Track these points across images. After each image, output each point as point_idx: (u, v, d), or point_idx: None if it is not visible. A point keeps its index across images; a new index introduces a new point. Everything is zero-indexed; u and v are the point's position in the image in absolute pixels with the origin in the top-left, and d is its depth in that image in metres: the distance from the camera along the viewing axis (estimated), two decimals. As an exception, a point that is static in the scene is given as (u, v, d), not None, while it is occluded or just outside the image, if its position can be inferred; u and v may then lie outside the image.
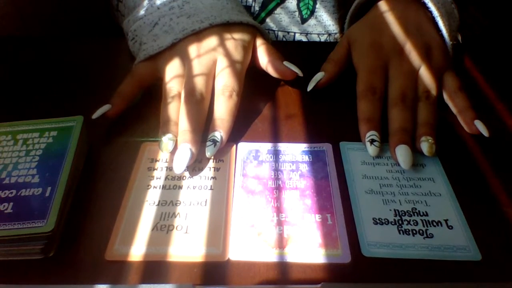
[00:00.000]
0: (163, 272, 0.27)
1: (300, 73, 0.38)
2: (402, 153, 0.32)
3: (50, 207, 0.27)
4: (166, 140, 0.33)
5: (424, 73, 0.37)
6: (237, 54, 0.38)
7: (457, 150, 0.35)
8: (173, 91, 0.36)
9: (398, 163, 0.33)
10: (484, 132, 0.35)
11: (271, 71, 0.40)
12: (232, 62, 0.37)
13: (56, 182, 0.29)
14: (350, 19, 0.45)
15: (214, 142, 0.33)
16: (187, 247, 0.28)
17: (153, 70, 0.39)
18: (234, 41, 0.39)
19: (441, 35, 0.40)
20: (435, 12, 0.40)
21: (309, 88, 0.39)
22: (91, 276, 0.26)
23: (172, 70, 0.37)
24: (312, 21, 0.51)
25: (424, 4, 0.41)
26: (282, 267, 0.27)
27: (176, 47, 0.39)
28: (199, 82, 0.36)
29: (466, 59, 0.46)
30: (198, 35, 0.39)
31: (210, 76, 0.37)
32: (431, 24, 0.40)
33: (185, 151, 0.32)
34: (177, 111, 0.35)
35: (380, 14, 0.41)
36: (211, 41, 0.38)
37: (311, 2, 0.50)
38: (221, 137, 0.33)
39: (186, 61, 0.38)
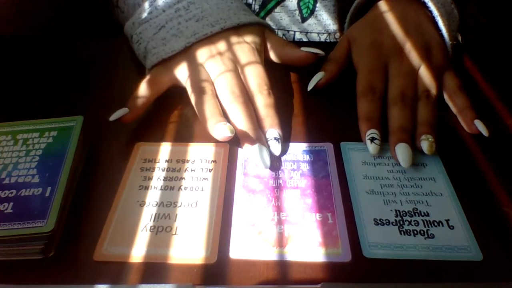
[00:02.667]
0: (160, 273, 0.26)
1: (321, 52, 0.39)
2: (401, 151, 0.32)
3: (50, 207, 0.27)
4: (225, 124, 0.33)
5: (424, 73, 0.37)
6: (254, 56, 0.38)
7: (458, 150, 0.35)
8: (207, 91, 0.36)
9: (398, 162, 0.33)
10: (484, 131, 0.35)
11: (290, 60, 0.40)
12: (253, 63, 0.38)
13: (56, 182, 0.29)
14: (350, 19, 0.45)
15: (277, 139, 0.33)
16: (176, 248, 0.28)
17: (169, 76, 0.39)
18: (248, 44, 0.39)
19: (441, 35, 0.40)
20: (435, 12, 0.40)
21: (309, 88, 0.39)
22: (91, 276, 0.26)
23: (195, 73, 0.37)
24: (312, 20, 0.51)
25: (424, 4, 0.41)
26: (283, 266, 0.27)
27: (190, 51, 0.39)
28: (236, 82, 0.36)
29: (466, 59, 0.46)
30: (210, 38, 0.39)
31: (240, 77, 0.37)
32: (431, 23, 0.40)
33: (263, 149, 0.33)
34: (218, 106, 0.35)
35: (380, 14, 0.41)
36: (226, 44, 0.39)
37: (311, 1, 0.50)
38: (279, 133, 0.34)
39: (208, 64, 0.38)
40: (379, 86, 0.37)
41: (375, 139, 0.34)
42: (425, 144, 0.33)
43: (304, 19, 0.51)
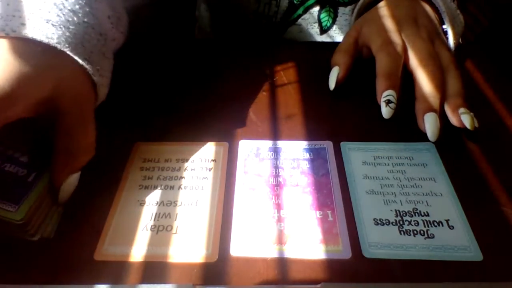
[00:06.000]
0: (160, 272, 0.26)
1: None
2: (431, 123, 0.30)
3: (27, 194, 0.25)
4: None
5: (441, 46, 0.35)
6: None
7: (458, 150, 0.35)
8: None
9: (425, 132, 0.30)
10: (467, 123, 0.32)
11: None
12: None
13: (43, 170, 0.27)
14: (356, 15, 0.45)
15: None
16: (176, 248, 0.28)
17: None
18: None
19: (445, 32, 0.40)
20: (442, 8, 0.39)
21: (332, 87, 0.38)
22: (91, 276, 0.26)
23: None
24: (330, 32, 0.51)
25: (430, 2, 0.40)
26: (283, 264, 0.27)
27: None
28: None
29: (466, 59, 0.46)
30: None
31: None
32: (437, 19, 0.40)
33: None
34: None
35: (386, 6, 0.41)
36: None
37: (332, 15, 0.50)
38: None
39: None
40: (399, 42, 0.34)
41: (391, 102, 0.31)
42: (467, 118, 0.30)
43: (323, 31, 0.51)
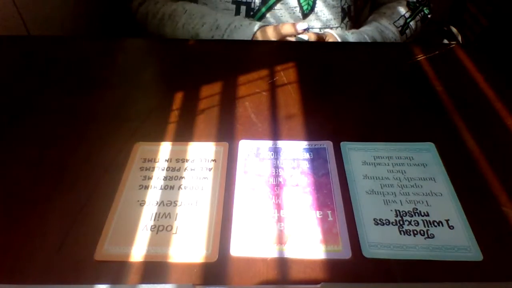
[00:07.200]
0: (160, 272, 0.26)
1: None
2: None
3: None
4: None
5: None
6: None
7: (458, 150, 0.35)
8: None
9: None
10: None
11: None
12: None
13: None
14: None
15: None
16: (176, 248, 0.28)
17: None
18: None
19: None
20: None
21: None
22: (92, 276, 0.26)
23: None
24: (312, 16, 0.51)
25: None
26: (283, 264, 0.27)
27: None
28: None
29: (466, 59, 0.46)
30: None
31: None
32: None
33: None
34: None
35: None
36: None
37: None
38: None
39: None
40: None
41: None
42: None
43: (305, 15, 0.51)
